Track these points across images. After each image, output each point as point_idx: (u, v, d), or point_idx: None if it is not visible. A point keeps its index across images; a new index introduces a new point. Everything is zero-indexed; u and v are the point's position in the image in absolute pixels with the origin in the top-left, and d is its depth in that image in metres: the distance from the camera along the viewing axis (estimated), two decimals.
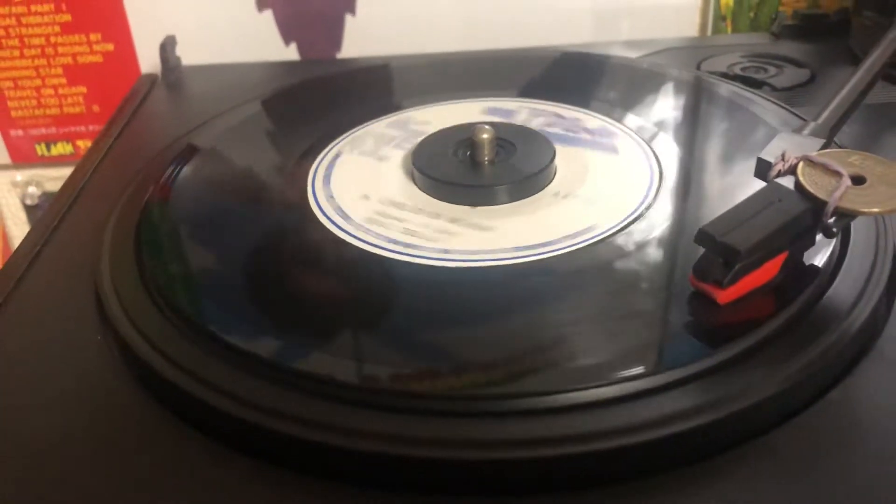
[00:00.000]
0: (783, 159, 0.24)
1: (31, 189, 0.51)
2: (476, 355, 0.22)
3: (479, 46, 0.46)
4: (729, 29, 0.49)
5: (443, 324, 0.23)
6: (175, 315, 0.23)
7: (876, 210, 0.21)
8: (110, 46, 0.47)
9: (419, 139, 0.32)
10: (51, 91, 0.48)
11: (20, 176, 0.51)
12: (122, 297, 0.25)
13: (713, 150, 0.32)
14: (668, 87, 0.37)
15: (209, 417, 0.21)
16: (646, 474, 0.19)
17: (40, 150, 0.50)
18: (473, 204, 0.28)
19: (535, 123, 0.34)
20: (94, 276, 0.26)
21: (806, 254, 0.24)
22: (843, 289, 0.23)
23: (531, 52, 0.43)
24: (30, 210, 0.52)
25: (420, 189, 0.30)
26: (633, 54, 0.43)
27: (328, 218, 0.28)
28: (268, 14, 0.47)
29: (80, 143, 0.49)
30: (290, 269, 0.26)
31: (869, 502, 0.18)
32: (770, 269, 0.22)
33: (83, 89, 0.48)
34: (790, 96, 0.38)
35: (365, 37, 0.47)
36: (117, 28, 0.46)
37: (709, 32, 0.49)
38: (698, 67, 0.41)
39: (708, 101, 0.36)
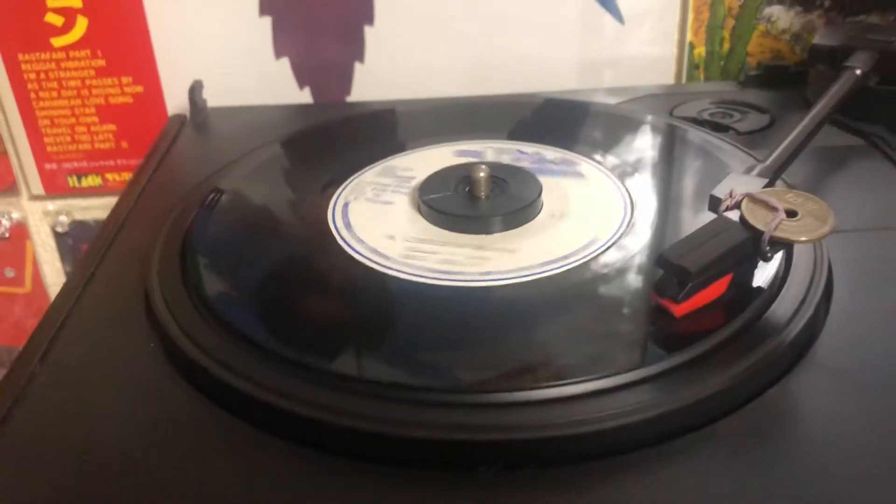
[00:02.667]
0: (731, 196, 0.28)
1: (62, 218, 0.55)
2: (489, 359, 0.26)
3: (476, 92, 0.50)
4: (702, 76, 0.54)
5: (452, 335, 0.28)
6: (217, 322, 0.28)
7: (804, 239, 0.26)
8: (140, 88, 0.51)
9: (412, 182, 0.37)
10: (84, 129, 0.52)
11: (52, 205, 0.55)
12: (172, 307, 0.29)
13: (676, 186, 0.37)
14: (641, 132, 0.42)
15: (241, 403, 0.25)
16: (615, 455, 0.23)
17: (72, 181, 0.54)
18: (481, 233, 0.33)
19: (503, 159, 0.39)
20: (146, 290, 0.30)
21: (756, 274, 0.28)
22: (783, 305, 0.27)
23: (518, 98, 0.48)
24: (59, 237, 0.56)
25: (430, 223, 0.34)
26: (613, 100, 0.48)
27: (345, 242, 0.33)
28: (284, 61, 0.51)
29: (108, 175, 0.54)
30: (309, 293, 0.31)
31: (798, 482, 0.22)
32: (719, 287, 0.27)
33: (113, 127, 0.52)
34: (751, 139, 0.42)
35: (373, 82, 0.52)
36: (147, 72, 0.51)
37: (683, 80, 0.54)
38: (671, 113, 0.46)
39: (674, 143, 0.41)
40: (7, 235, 0.55)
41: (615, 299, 0.29)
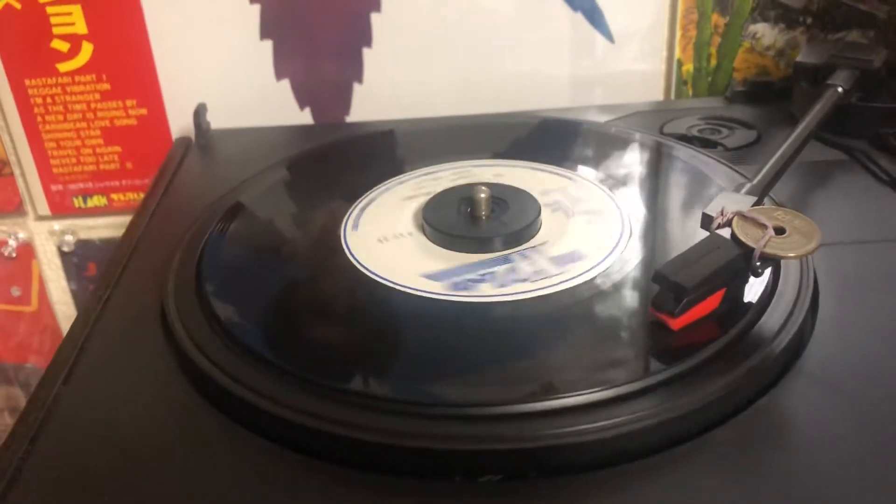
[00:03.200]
0: (722, 214, 0.30)
1: (68, 237, 0.56)
2: (492, 374, 0.28)
3: (471, 111, 0.52)
4: (690, 92, 0.55)
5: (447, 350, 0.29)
6: (233, 340, 0.29)
7: (791, 255, 0.27)
8: (144, 111, 0.53)
9: (421, 200, 0.38)
10: (89, 150, 0.53)
11: (58, 225, 0.56)
12: (188, 326, 0.30)
13: (671, 205, 0.38)
14: (635, 150, 0.43)
15: (258, 418, 0.26)
16: (618, 463, 0.24)
17: (77, 202, 0.55)
18: (480, 252, 0.34)
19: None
20: (163, 310, 0.31)
21: (747, 288, 0.30)
22: (772, 318, 0.28)
23: (527, 116, 0.49)
24: (64, 256, 0.57)
25: (433, 242, 0.35)
26: (604, 118, 0.49)
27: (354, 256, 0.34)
28: (285, 83, 0.53)
29: (113, 196, 0.55)
30: (321, 310, 0.32)
31: (787, 487, 0.23)
32: (713, 302, 0.28)
33: (118, 149, 0.54)
34: (739, 155, 0.44)
35: (371, 102, 0.53)
36: (151, 95, 0.52)
37: (672, 95, 0.55)
38: (661, 129, 0.47)
39: (668, 162, 0.42)
40: (14, 255, 0.56)
41: (615, 314, 0.31)
